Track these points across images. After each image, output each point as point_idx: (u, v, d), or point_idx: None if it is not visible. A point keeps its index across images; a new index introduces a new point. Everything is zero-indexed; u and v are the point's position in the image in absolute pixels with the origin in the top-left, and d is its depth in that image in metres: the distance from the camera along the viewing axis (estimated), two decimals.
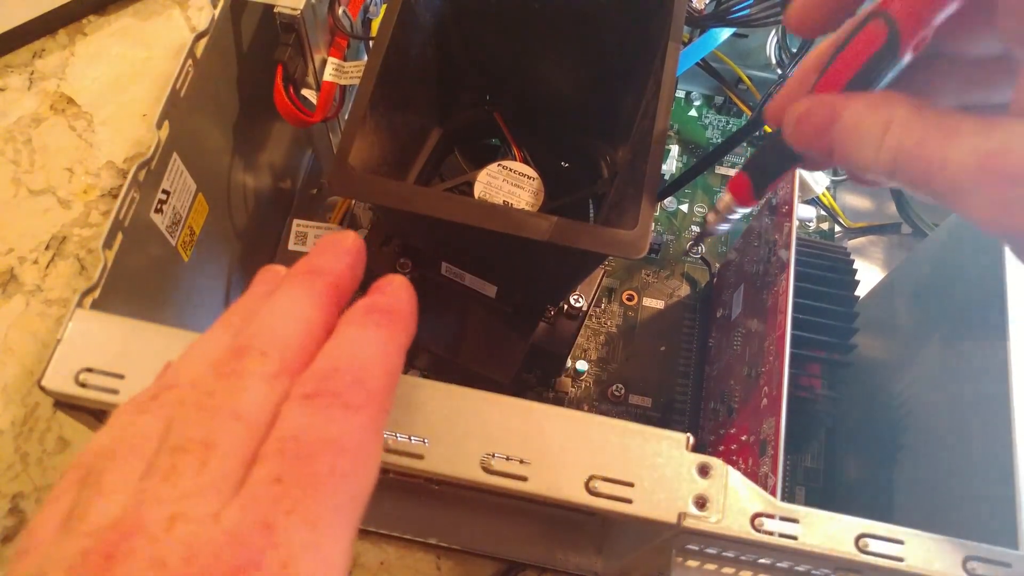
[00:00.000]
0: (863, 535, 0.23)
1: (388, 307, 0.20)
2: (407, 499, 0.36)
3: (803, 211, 0.35)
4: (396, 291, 0.21)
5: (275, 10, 0.34)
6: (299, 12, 0.34)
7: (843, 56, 0.21)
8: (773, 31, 0.37)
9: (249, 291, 0.22)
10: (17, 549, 0.17)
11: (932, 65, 0.22)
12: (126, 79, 0.49)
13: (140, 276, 0.30)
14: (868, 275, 0.44)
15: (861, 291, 0.37)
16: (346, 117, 0.35)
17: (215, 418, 0.17)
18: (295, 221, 0.39)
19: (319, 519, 0.16)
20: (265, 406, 0.18)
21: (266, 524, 0.16)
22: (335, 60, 0.37)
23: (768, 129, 0.40)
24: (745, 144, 0.49)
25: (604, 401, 0.42)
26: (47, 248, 0.44)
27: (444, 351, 0.34)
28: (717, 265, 0.44)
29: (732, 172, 0.49)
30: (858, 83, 0.21)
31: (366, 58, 0.35)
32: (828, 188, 0.46)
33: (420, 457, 0.23)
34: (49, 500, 0.17)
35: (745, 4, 0.33)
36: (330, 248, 0.22)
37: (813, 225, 0.47)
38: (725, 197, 0.27)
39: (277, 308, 0.20)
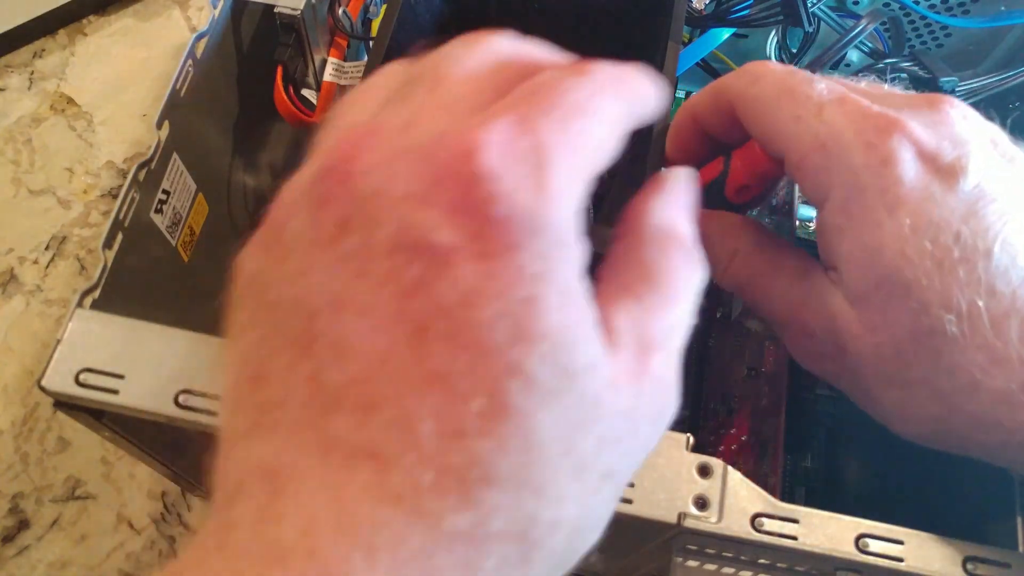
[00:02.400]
0: (863, 535, 0.23)
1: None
2: None
3: (804, 211, 0.35)
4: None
5: (275, 10, 0.34)
6: (299, 12, 0.34)
7: (704, 167, 0.25)
8: (773, 31, 0.37)
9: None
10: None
11: None
12: (126, 79, 0.49)
13: (140, 276, 0.30)
14: None
15: None
16: None
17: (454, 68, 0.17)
18: None
19: (567, 142, 0.16)
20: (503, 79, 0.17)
21: (518, 117, 0.15)
22: (335, 60, 0.37)
23: None
24: None
25: None
26: (47, 248, 0.44)
27: None
28: None
29: None
30: (709, 196, 0.22)
31: (366, 58, 0.35)
32: None
33: None
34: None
35: (745, 4, 0.33)
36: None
37: (814, 225, 0.47)
38: None
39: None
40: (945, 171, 0.21)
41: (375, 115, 0.17)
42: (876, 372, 0.21)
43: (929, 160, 0.21)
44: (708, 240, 0.20)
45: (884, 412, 0.22)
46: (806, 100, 0.22)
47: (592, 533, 0.16)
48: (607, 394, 0.15)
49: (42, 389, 0.24)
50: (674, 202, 0.19)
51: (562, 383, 0.15)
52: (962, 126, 0.21)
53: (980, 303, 0.20)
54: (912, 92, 0.25)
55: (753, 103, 0.22)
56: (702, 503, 0.23)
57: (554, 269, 0.15)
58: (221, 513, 0.15)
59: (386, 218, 0.15)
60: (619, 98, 0.17)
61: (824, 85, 0.22)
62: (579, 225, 0.16)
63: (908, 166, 0.20)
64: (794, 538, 0.23)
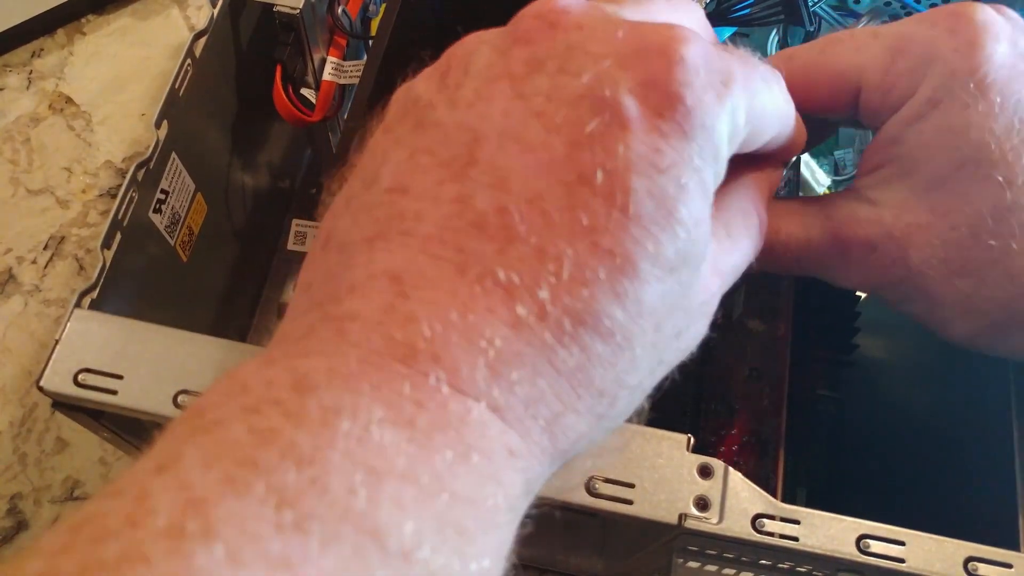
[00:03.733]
0: (864, 536, 0.23)
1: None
2: None
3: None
4: None
5: (274, 9, 0.34)
6: (298, 11, 0.34)
7: None
8: (774, 30, 0.37)
9: None
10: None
11: None
12: (125, 78, 0.49)
13: (139, 276, 0.30)
14: None
15: None
16: (345, 116, 0.35)
17: None
18: (295, 221, 0.39)
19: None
20: None
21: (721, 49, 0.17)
22: (334, 59, 0.37)
23: None
24: None
25: None
26: (45, 248, 0.44)
27: None
28: None
29: None
30: None
31: (365, 57, 0.35)
32: (829, 187, 0.46)
33: None
34: None
35: (746, 3, 0.33)
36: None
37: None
38: None
39: None
40: None
41: None
42: (944, 262, 0.22)
43: (1011, 41, 0.22)
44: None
45: (948, 309, 0.23)
46: (852, 35, 0.23)
47: (630, 412, 0.18)
48: (698, 289, 0.17)
49: (40, 389, 0.24)
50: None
51: (679, 267, 0.16)
52: (1006, 11, 0.23)
53: None
54: None
55: (805, 70, 0.23)
56: (703, 504, 0.23)
57: (706, 171, 0.16)
58: (325, 307, 0.15)
59: (581, 69, 0.16)
60: (790, 104, 0.20)
61: (851, 23, 0.23)
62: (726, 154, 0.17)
63: (995, 46, 0.21)
64: (795, 539, 0.23)
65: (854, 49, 0.23)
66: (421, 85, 0.18)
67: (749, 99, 0.17)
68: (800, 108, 0.22)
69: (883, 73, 0.22)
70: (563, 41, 0.16)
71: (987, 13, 0.22)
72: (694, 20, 0.19)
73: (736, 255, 0.20)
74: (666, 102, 0.16)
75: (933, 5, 0.36)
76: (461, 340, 0.14)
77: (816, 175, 0.42)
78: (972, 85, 0.21)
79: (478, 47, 0.17)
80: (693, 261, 0.16)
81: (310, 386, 0.14)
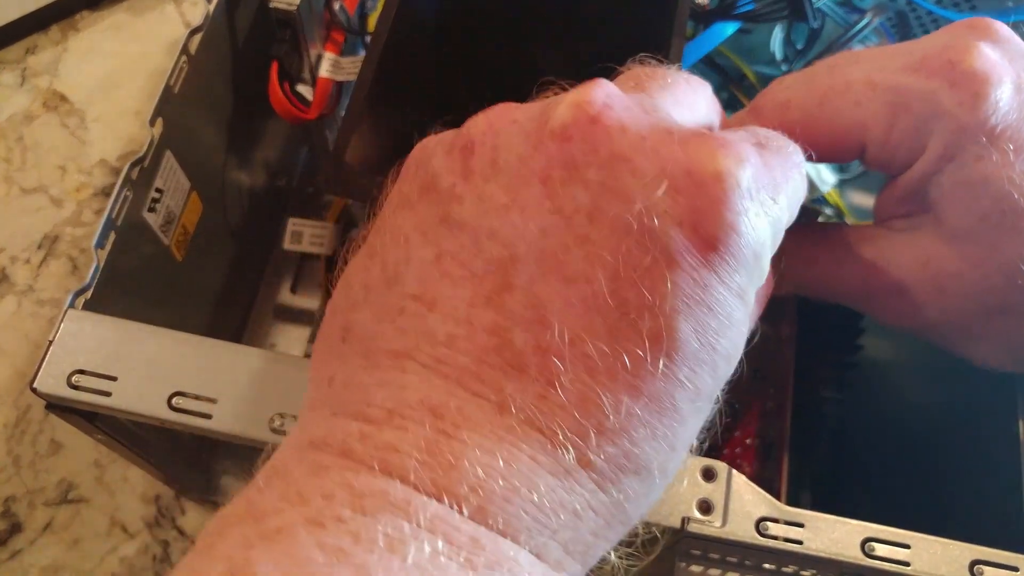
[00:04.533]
0: (869, 539, 0.23)
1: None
2: None
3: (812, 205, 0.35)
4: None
5: (271, 5, 0.34)
6: (295, 7, 0.33)
7: None
8: (778, 26, 0.37)
9: None
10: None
11: None
12: (119, 75, 0.49)
13: (133, 276, 0.29)
14: None
15: None
16: (342, 114, 0.35)
17: None
18: (291, 219, 0.38)
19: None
20: None
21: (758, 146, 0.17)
22: (332, 56, 0.36)
23: None
24: None
25: None
26: (39, 247, 0.44)
27: None
28: None
29: None
30: None
31: (363, 54, 0.35)
32: (835, 187, 0.46)
33: None
34: None
35: None
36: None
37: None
38: None
39: None
40: None
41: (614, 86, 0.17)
42: (980, 305, 0.22)
43: (1014, 82, 0.21)
44: None
45: (985, 346, 0.23)
46: (846, 86, 0.22)
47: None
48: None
49: (34, 391, 0.24)
50: None
51: (716, 391, 0.16)
52: (1018, 40, 0.22)
53: None
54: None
55: (805, 124, 0.22)
56: (706, 507, 0.23)
57: (751, 290, 0.16)
58: (360, 424, 0.15)
59: (628, 192, 0.15)
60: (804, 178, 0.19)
61: (837, 62, 0.22)
62: None
63: (998, 92, 0.21)
64: (799, 542, 0.22)
65: (853, 103, 0.22)
66: (441, 162, 0.17)
67: (791, 199, 0.17)
68: None
69: (887, 132, 0.22)
70: (606, 148, 0.15)
71: (984, 58, 0.21)
72: (708, 98, 0.19)
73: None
74: (720, 234, 0.15)
75: (939, 0, 0.36)
76: (507, 490, 0.14)
77: (822, 174, 0.41)
78: (983, 138, 0.21)
79: (507, 127, 0.16)
80: (726, 378, 0.16)
81: (370, 508, 0.14)
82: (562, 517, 0.15)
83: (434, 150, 0.17)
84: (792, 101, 0.23)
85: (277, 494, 0.14)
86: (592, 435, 0.15)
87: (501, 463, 0.14)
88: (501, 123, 0.16)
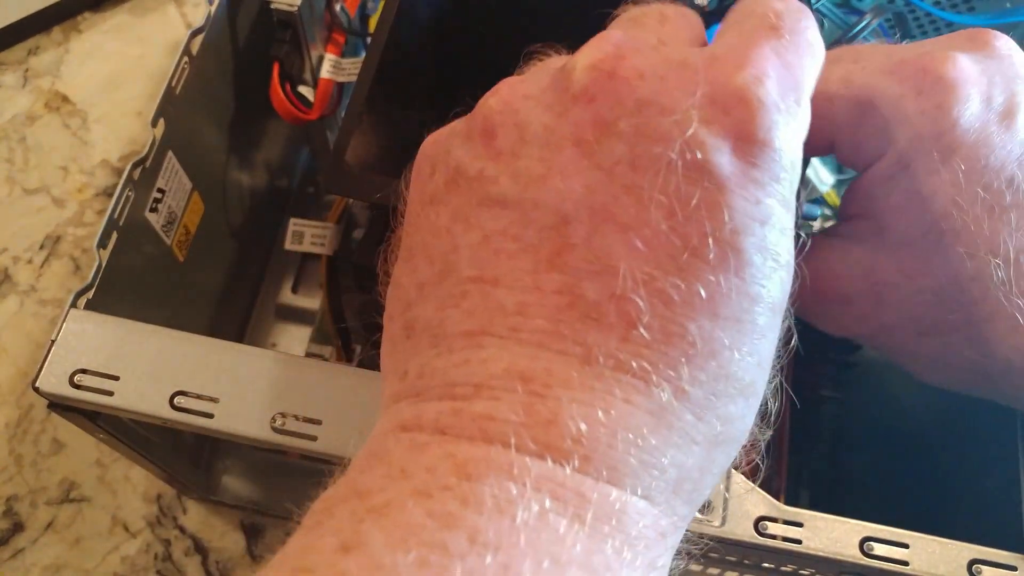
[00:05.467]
0: (868, 538, 0.23)
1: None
2: None
3: (807, 210, 0.35)
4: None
5: (272, 6, 0.34)
6: (296, 8, 0.34)
7: None
8: None
9: None
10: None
11: None
12: (121, 76, 0.49)
13: (135, 276, 0.29)
14: None
15: None
16: (343, 114, 0.35)
17: None
18: (292, 220, 0.38)
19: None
20: None
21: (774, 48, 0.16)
22: (332, 57, 0.36)
23: None
24: None
25: None
26: (41, 248, 0.44)
27: None
28: None
29: None
30: None
31: (364, 55, 0.35)
32: (833, 187, 0.46)
33: None
34: None
35: None
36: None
37: (817, 224, 0.47)
38: None
39: None
40: (1001, 111, 0.20)
41: (617, 32, 0.17)
42: (914, 321, 0.22)
43: (984, 99, 0.20)
44: None
45: (919, 363, 0.23)
46: (826, 80, 0.22)
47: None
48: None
49: (36, 391, 0.24)
50: None
51: (784, 301, 0.16)
52: (1017, 59, 0.21)
53: None
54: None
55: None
56: (705, 506, 0.23)
57: (792, 195, 0.16)
58: (449, 402, 0.15)
59: (663, 133, 0.15)
60: (820, 46, 0.18)
61: (841, 56, 0.22)
62: None
63: (962, 108, 0.20)
64: (798, 542, 0.22)
65: (826, 99, 0.22)
66: (462, 152, 0.17)
67: (811, 86, 0.17)
68: None
69: (853, 130, 0.22)
70: (631, 98, 0.15)
71: (959, 69, 0.20)
72: (699, 21, 0.19)
73: None
74: (758, 151, 0.15)
75: (937, 2, 0.36)
76: (609, 437, 0.14)
77: (820, 175, 0.41)
78: (936, 153, 0.20)
79: (522, 103, 0.16)
80: (788, 286, 0.16)
81: (474, 474, 0.14)
82: (667, 455, 0.15)
83: (449, 142, 0.17)
84: None
85: (380, 473, 0.14)
86: (683, 366, 0.15)
87: (599, 412, 0.14)
88: (515, 101, 0.16)
